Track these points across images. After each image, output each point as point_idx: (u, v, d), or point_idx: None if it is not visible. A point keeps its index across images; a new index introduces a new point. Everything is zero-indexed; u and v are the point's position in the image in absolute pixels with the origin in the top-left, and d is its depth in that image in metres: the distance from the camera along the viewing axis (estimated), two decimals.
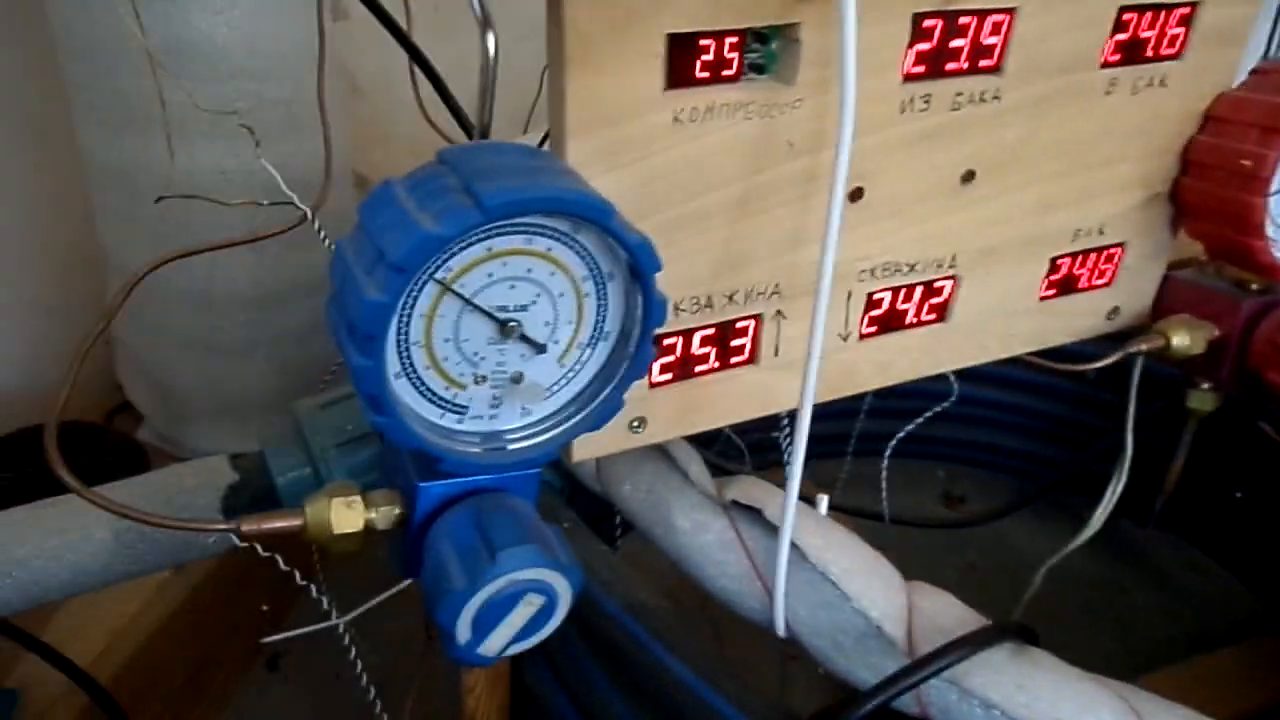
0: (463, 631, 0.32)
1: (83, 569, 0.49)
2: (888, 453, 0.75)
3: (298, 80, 0.82)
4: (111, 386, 1.01)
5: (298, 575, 0.54)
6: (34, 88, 0.89)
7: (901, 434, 0.73)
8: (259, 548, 0.55)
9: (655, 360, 0.41)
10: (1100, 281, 0.51)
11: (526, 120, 0.94)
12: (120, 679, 0.76)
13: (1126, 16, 0.43)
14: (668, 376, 0.42)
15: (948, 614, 0.40)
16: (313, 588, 0.53)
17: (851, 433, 1.07)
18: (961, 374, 1.07)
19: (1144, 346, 0.51)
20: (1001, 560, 1.24)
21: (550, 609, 0.33)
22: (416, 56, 0.60)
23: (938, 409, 0.73)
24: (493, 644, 0.33)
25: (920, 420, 0.72)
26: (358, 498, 0.35)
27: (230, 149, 0.79)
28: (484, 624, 0.32)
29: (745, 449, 0.93)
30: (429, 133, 0.76)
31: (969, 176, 0.43)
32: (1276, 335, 0.49)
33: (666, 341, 0.41)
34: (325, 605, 0.50)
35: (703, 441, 0.48)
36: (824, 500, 0.45)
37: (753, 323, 0.42)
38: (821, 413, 1.11)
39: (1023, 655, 0.39)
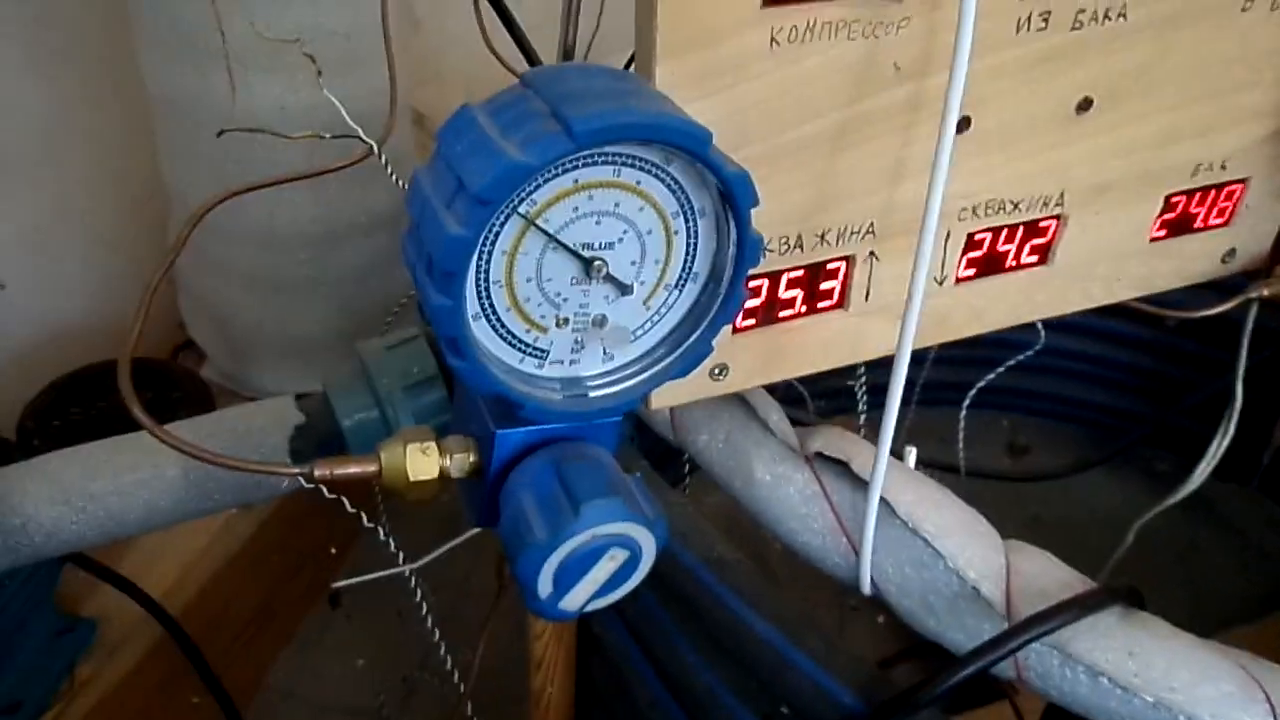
0: (544, 586, 0.31)
1: (155, 506, 0.49)
2: (965, 405, 0.72)
3: (357, 11, 0.79)
4: (175, 325, 1.02)
5: (364, 517, 0.54)
6: (99, 20, 0.88)
7: (980, 384, 0.70)
8: (325, 489, 0.54)
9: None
10: (1218, 221, 0.47)
11: (586, 53, 0.91)
12: (191, 611, 0.77)
13: None
14: (751, 321, 0.39)
15: (1049, 575, 0.38)
16: (380, 530, 0.52)
17: (916, 380, 1.04)
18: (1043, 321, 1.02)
19: (1265, 291, 0.47)
20: (1066, 514, 1.20)
21: (633, 564, 0.32)
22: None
23: (1019, 358, 0.69)
24: (574, 599, 0.31)
25: (1000, 371, 0.68)
26: (433, 444, 0.34)
27: (290, 83, 0.77)
28: (566, 579, 0.31)
29: (808, 396, 0.90)
30: (484, 69, 0.73)
31: (1085, 105, 0.40)
32: None
33: (752, 284, 0.38)
34: (393, 548, 0.49)
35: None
36: (912, 453, 0.43)
37: (844, 264, 0.40)
38: (882, 360, 1.08)
39: (1132, 619, 0.37)
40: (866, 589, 0.41)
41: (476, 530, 0.56)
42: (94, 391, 0.87)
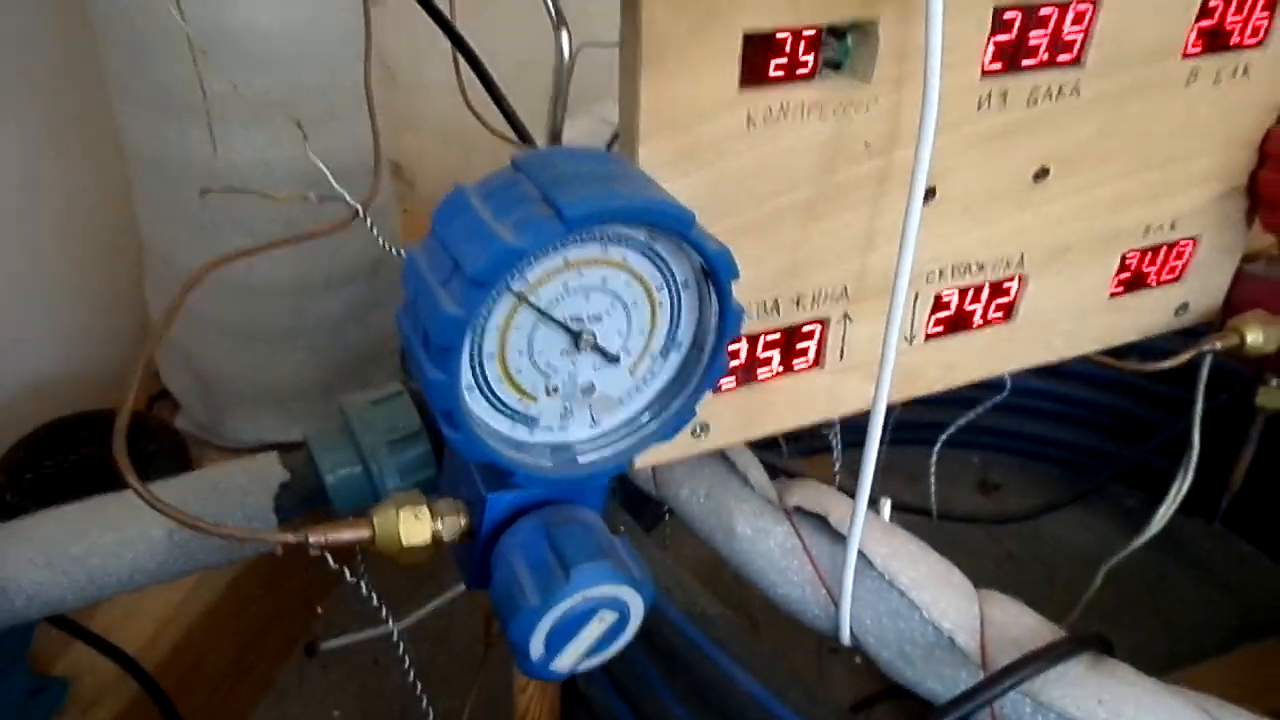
0: (536, 648, 0.31)
1: (139, 567, 0.49)
2: (936, 447, 0.74)
3: (335, 67, 0.81)
4: (149, 374, 1.01)
5: (347, 572, 0.54)
6: (74, 76, 0.89)
7: (953, 428, 0.72)
8: (311, 546, 0.55)
9: None
10: (1170, 277, 0.50)
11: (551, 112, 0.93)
12: (166, 666, 0.77)
13: (1212, 3, 0.41)
14: (731, 382, 0.41)
15: (1021, 624, 0.39)
16: (362, 586, 0.52)
17: (887, 421, 1.06)
18: None
19: (1218, 344, 0.49)
20: (1039, 551, 1.22)
21: (622, 624, 0.33)
22: (462, 46, 0.59)
23: (991, 402, 0.71)
24: (565, 660, 0.32)
25: (974, 415, 0.70)
26: (425, 508, 0.34)
27: (271, 139, 0.78)
28: (557, 641, 0.31)
29: (781, 437, 0.92)
30: (458, 117, 0.75)
31: (1042, 173, 0.42)
32: None
33: (731, 347, 0.40)
34: (375, 602, 0.49)
35: None
36: (887, 504, 0.45)
37: (819, 326, 0.41)
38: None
39: (1101, 667, 0.38)
40: (846, 640, 0.42)
41: (460, 589, 0.57)
42: (67, 445, 0.87)
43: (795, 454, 0.97)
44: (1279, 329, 0.49)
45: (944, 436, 0.71)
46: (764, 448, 0.52)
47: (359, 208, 0.50)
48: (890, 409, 0.88)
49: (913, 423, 0.98)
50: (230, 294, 0.85)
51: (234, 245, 0.84)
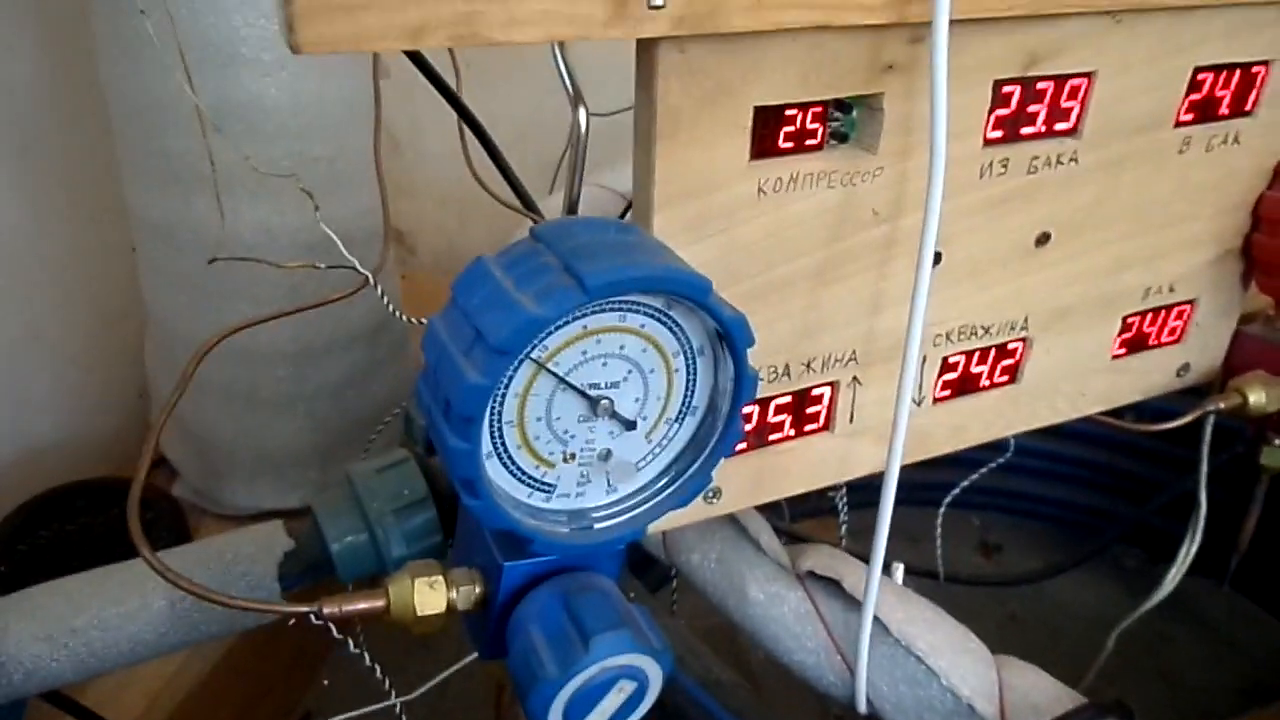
0: (555, 718, 0.31)
1: (140, 640, 0.48)
2: (942, 509, 0.74)
3: (341, 138, 0.82)
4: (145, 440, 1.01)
5: (351, 643, 0.53)
6: (81, 145, 0.91)
7: (957, 489, 0.72)
8: (313, 618, 0.54)
9: None
10: (1170, 339, 0.51)
11: (553, 177, 0.94)
12: None
13: (1201, 76, 0.42)
14: (743, 446, 0.41)
15: (1041, 691, 0.39)
16: (365, 656, 0.52)
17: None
18: None
19: (1221, 405, 0.50)
20: (1041, 612, 1.21)
21: (641, 693, 0.32)
22: (467, 116, 0.60)
23: (994, 463, 0.72)
24: None
25: (976, 476, 0.70)
26: (440, 577, 0.34)
27: (276, 207, 0.79)
28: (576, 712, 0.31)
29: (783, 501, 0.92)
30: (457, 185, 0.76)
31: (1044, 239, 0.43)
32: None
33: (744, 410, 0.40)
34: (379, 673, 0.48)
35: None
36: (899, 570, 0.44)
37: (829, 390, 0.42)
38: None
39: None
40: (863, 708, 0.41)
41: (469, 659, 0.56)
42: (63, 513, 0.86)
43: (797, 515, 0.96)
44: None
45: (948, 498, 0.71)
46: (765, 509, 0.52)
47: (369, 275, 0.50)
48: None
49: (913, 483, 0.98)
50: (232, 359, 0.85)
51: (238, 313, 0.85)
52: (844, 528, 0.61)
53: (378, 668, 0.49)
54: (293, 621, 0.39)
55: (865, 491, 1.08)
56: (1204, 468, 0.54)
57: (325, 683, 0.88)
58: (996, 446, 0.77)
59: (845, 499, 0.57)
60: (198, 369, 0.88)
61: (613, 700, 0.32)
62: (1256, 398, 0.49)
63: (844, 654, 0.41)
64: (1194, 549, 0.54)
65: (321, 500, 0.55)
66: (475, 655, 0.39)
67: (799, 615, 0.42)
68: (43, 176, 0.91)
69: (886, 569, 0.44)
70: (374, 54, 0.66)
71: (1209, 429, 0.53)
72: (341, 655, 0.51)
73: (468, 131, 0.63)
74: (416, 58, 0.45)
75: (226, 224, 0.78)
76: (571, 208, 0.34)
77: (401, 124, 1.13)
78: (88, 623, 0.48)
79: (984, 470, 0.67)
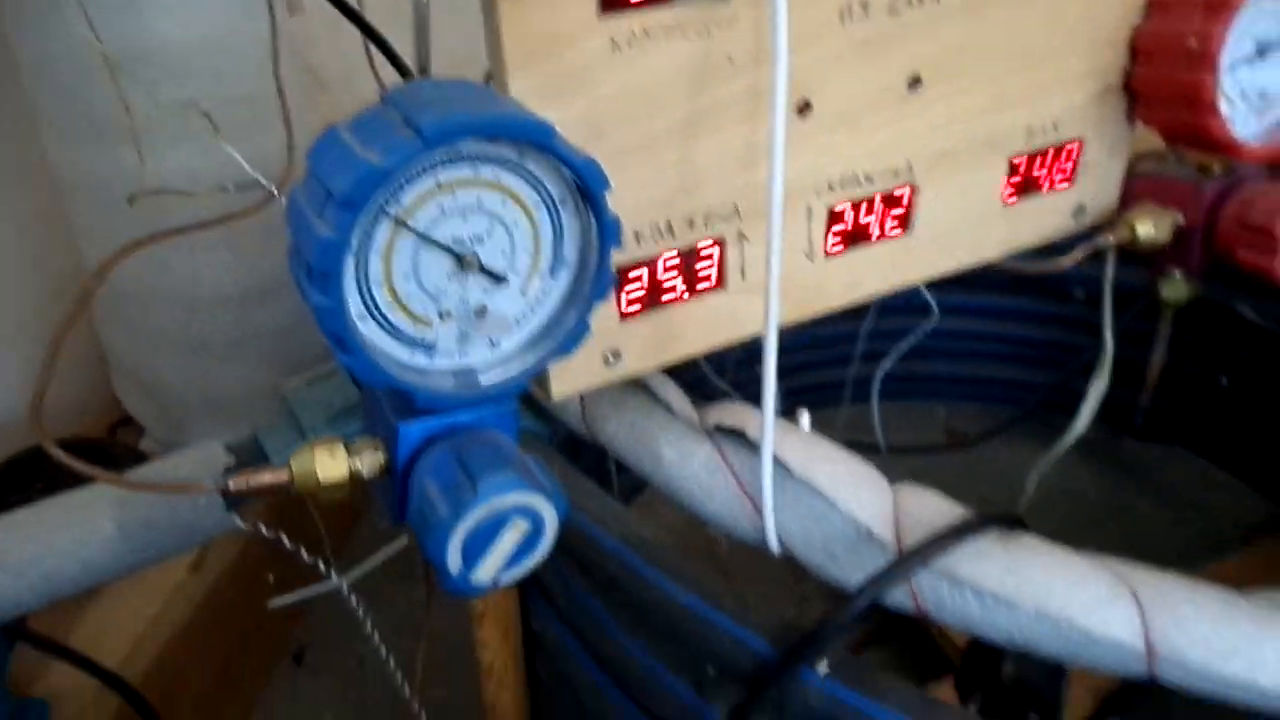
0: (453, 561, 0.33)
1: (92, 562, 0.50)
2: (879, 374, 0.76)
3: (261, 77, 0.82)
4: (110, 402, 1.02)
5: (303, 551, 0.55)
6: (7, 112, 0.90)
7: (892, 357, 0.73)
8: (263, 528, 0.56)
9: (623, 291, 0.42)
10: (1062, 180, 0.52)
11: (416, 47, 0.94)
12: (148, 680, 0.77)
13: None
14: (637, 307, 0.42)
15: (934, 509, 0.41)
16: (342, 585, 0.54)
17: (846, 379, 1.09)
18: (955, 309, 1.07)
19: (1111, 238, 0.51)
20: (1010, 491, 1.25)
21: (538, 534, 0.34)
22: (372, 35, 0.60)
23: (922, 330, 0.74)
24: (484, 572, 0.33)
25: (909, 341, 0.72)
26: (340, 446, 0.36)
27: (198, 150, 0.79)
28: (473, 552, 0.33)
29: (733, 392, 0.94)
30: None
31: (915, 81, 0.44)
32: (1243, 214, 0.49)
33: (633, 272, 0.41)
34: (322, 568, 0.51)
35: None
36: (805, 416, 0.46)
37: (716, 246, 0.43)
38: (818, 360, 1.12)
39: (1010, 540, 0.40)
40: (775, 547, 0.43)
41: (403, 542, 0.58)
42: (30, 477, 0.87)
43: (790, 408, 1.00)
44: (1170, 219, 0.51)
45: (884, 363, 0.73)
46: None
47: (274, 189, 0.51)
48: (848, 359, 0.90)
49: (873, 378, 1.01)
50: (178, 309, 0.86)
51: (181, 260, 0.85)
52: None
53: (319, 560, 0.51)
54: (216, 520, 0.41)
55: (828, 390, 1.10)
56: (1107, 305, 0.55)
57: (270, 578, 0.90)
58: (940, 332, 0.79)
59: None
60: (139, 318, 0.88)
61: (509, 539, 0.33)
62: (1146, 229, 0.51)
63: (752, 499, 0.43)
64: (1103, 387, 0.56)
65: (259, 419, 0.57)
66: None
67: (709, 468, 0.44)
68: None
69: (793, 417, 0.46)
70: None
71: (1110, 265, 0.54)
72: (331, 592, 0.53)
73: (376, 53, 0.63)
74: None
75: (153, 172, 0.78)
76: (421, 71, 0.34)
77: (332, 67, 1.12)
78: (38, 551, 0.50)
79: (913, 337, 0.69)
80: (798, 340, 1.14)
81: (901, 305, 0.94)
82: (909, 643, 0.99)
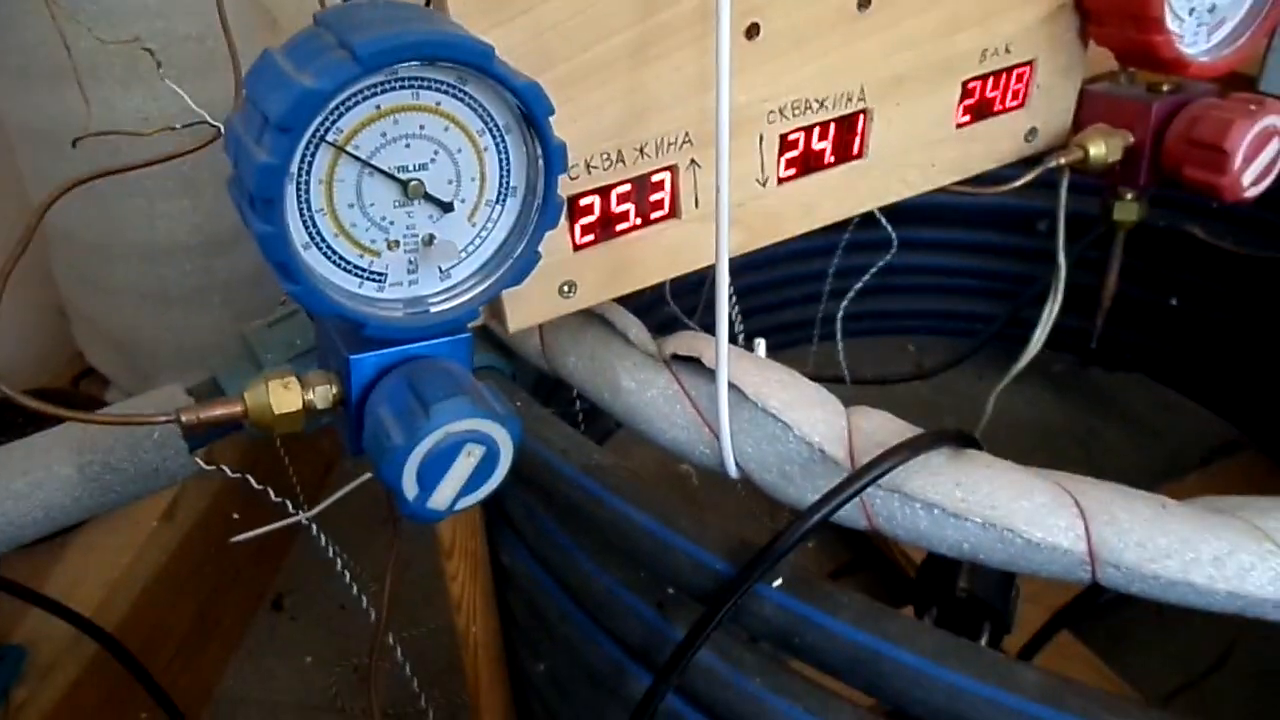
0: (409, 487, 0.33)
1: (54, 505, 0.50)
2: (841, 309, 0.76)
3: (210, 15, 0.80)
4: (72, 355, 1.01)
5: (270, 492, 0.56)
6: None
7: (853, 291, 0.74)
8: (227, 469, 0.56)
9: (575, 221, 0.42)
10: (1014, 103, 0.52)
11: None
12: (125, 627, 0.78)
13: None
14: (590, 238, 0.42)
15: (887, 429, 0.42)
16: (319, 533, 0.54)
17: (815, 317, 1.10)
18: (918, 244, 1.07)
19: (1062, 160, 0.51)
20: (978, 421, 1.27)
21: (493, 459, 0.34)
22: None
23: (882, 263, 0.74)
24: (440, 497, 0.34)
25: (870, 275, 0.73)
26: (293, 378, 0.36)
27: (149, 92, 0.77)
28: (429, 478, 0.33)
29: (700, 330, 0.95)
30: None
31: (865, 2, 0.43)
32: (1189, 131, 0.50)
33: (584, 201, 0.41)
34: (290, 508, 0.51)
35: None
36: (761, 344, 0.47)
37: (668, 174, 0.43)
38: (786, 300, 1.12)
39: (960, 457, 0.41)
40: (732, 471, 0.44)
41: (368, 475, 0.58)
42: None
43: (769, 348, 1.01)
44: (1120, 139, 0.52)
45: (849, 295, 0.73)
46: None
47: (220, 127, 0.50)
48: (818, 297, 0.91)
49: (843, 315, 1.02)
50: (136, 259, 0.85)
51: (137, 209, 0.84)
52: (812, 360, 0.63)
53: (283, 499, 0.51)
54: (179, 464, 0.41)
55: (797, 329, 1.11)
56: (1060, 226, 0.56)
57: (235, 516, 0.91)
58: (925, 268, 0.79)
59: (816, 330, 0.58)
60: (102, 271, 0.87)
61: (463, 464, 0.34)
62: (1097, 149, 0.51)
63: (709, 424, 0.44)
64: (1055, 309, 0.56)
65: (218, 361, 0.56)
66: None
67: (667, 396, 0.45)
68: None
69: (750, 345, 0.47)
70: None
71: (1064, 187, 0.55)
72: (310, 541, 0.54)
73: None
74: None
75: (101, 116, 0.76)
76: None
77: (287, 4, 1.10)
78: None
79: (879, 266, 0.69)
80: (770, 279, 1.14)
81: (867, 242, 0.95)
82: (881, 573, 1.02)
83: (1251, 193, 0.51)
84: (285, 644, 0.99)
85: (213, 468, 0.54)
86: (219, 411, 0.36)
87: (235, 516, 0.83)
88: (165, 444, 0.53)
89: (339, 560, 0.59)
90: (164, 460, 0.51)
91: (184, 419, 0.35)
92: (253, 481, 0.56)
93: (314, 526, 0.54)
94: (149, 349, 0.90)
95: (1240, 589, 0.35)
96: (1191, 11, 0.49)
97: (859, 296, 1.05)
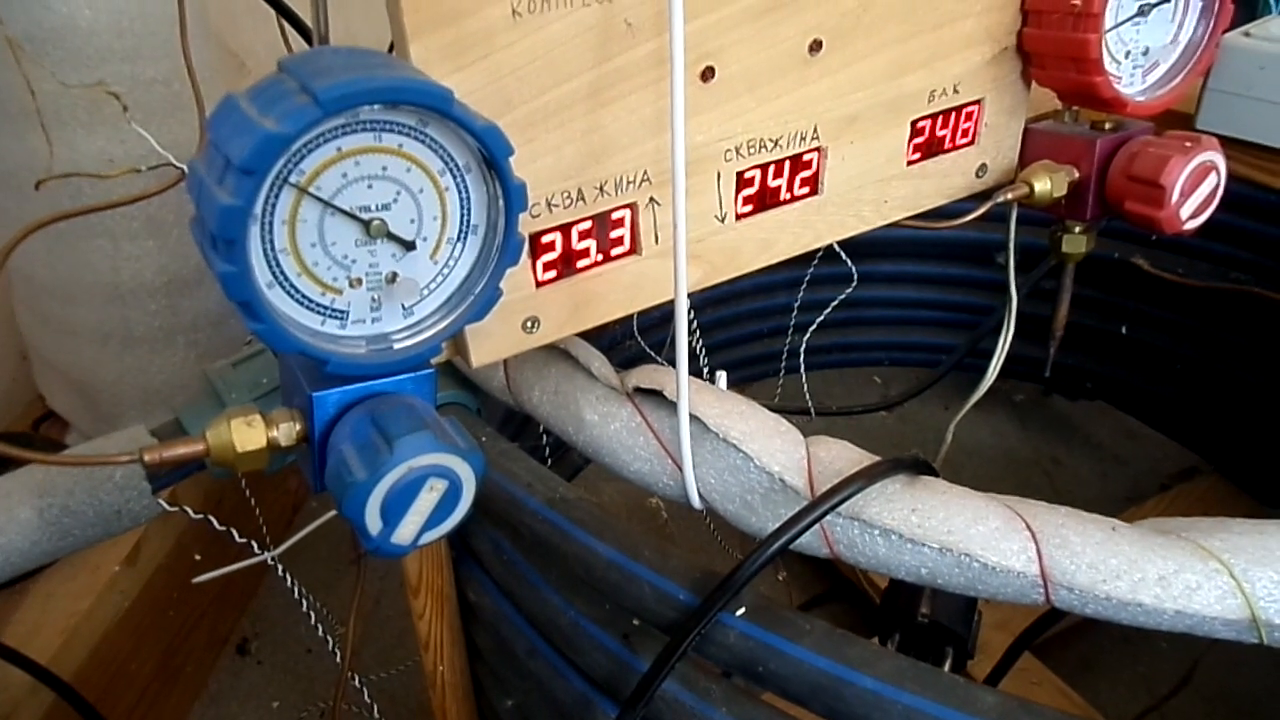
0: (372, 523, 0.33)
1: (12, 549, 0.50)
2: (804, 342, 0.77)
3: (174, 58, 0.81)
4: (33, 398, 1.00)
5: (235, 533, 0.55)
6: None
7: (815, 325, 0.75)
8: (190, 511, 0.56)
9: (537, 259, 0.42)
10: (964, 140, 0.54)
11: (314, 15, 0.94)
12: (84, 674, 0.76)
13: None
14: (552, 274, 0.43)
15: (845, 458, 0.43)
16: (286, 574, 0.54)
17: (782, 350, 1.11)
18: (881, 278, 1.09)
19: (1010, 195, 0.53)
20: (950, 456, 1.30)
21: (456, 494, 0.35)
22: (282, 9, 0.60)
23: (843, 296, 0.76)
24: (404, 532, 0.34)
25: (831, 309, 0.74)
26: (257, 416, 0.36)
27: (113, 135, 0.78)
28: (392, 513, 0.33)
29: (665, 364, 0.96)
30: None
31: (816, 46, 0.45)
32: (1128, 167, 0.52)
33: (545, 239, 0.42)
34: (256, 549, 0.51)
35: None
36: (723, 377, 0.47)
37: (628, 212, 0.44)
38: (753, 334, 1.14)
39: (916, 483, 0.42)
40: (696, 502, 0.45)
41: (333, 513, 0.58)
42: None
43: (736, 381, 1.02)
44: (1064, 175, 0.54)
45: (812, 328, 0.75)
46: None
47: (184, 169, 0.51)
48: (784, 330, 0.92)
49: (807, 349, 1.03)
50: (99, 299, 0.84)
51: (100, 251, 0.84)
52: (779, 390, 0.64)
53: (247, 540, 0.51)
54: (143, 505, 0.41)
55: (764, 362, 1.12)
56: (1011, 259, 0.58)
57: (197, 557, 0.90)
58: (863, 301, 0.81)
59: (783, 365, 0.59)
60: (64, 313, 0.86)
61: (426, 499, 0.34)
62: (1042, 185, 0.53)
63: (673, 456, 0.45)
64: (1008, 339, 0.58)
65: (182, 404, 0.56)
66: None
67: (630, 429, 0.45)
68: None
69: (714, 378, 0.48)
70: None
71: (1013, 221, 0.57)
72: (276, 583, 0.54)
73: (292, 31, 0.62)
74: None
75: (66, 159, 0.77)
76: (321, 39, 0.35)
77: (257, 50, 1.11)
78: None
79: (836, 302, 0.71)
80: (736, 313, 1.16)
81: (831, 276, 0.97)
82: (853, 603, 1.02)
83: (1191, 225, 0.53)
84: (250, 689, 0.98)
85: (176, 508, 0.53)
86: (182, 450, 0.36)
87: (198, 558, 0.82)
88: (127, 485, 0.52)
89: (304, 601, 0.58)
90: (126, 502, 0.51)
91: (146, 458, 0.35)
92: (215, 523, 0.55)
93: (279, 567, 0.54)
94: (112, 391, 0.89)
95: (1187, 607, 0.36)
96: (1127, 54, 0.51)
97: (825, 329, 1.07)
